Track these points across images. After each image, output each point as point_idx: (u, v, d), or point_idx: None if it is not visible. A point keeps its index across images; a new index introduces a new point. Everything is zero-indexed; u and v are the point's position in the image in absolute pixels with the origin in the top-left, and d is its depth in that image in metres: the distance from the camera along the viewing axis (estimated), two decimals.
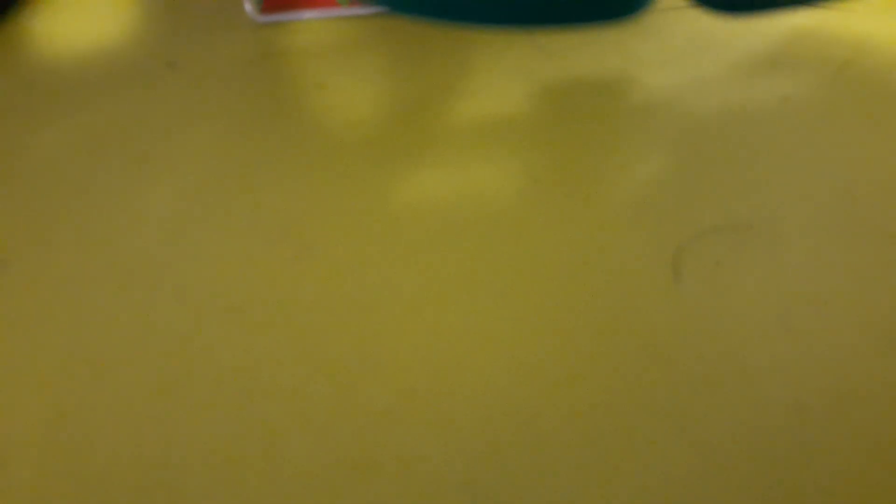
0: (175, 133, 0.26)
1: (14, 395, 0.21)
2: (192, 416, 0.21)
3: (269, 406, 0.21)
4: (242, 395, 0.22)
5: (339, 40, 0.28)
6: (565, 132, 0.25)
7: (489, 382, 0.22)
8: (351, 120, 0.26)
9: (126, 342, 0.22)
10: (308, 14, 0.31)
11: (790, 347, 0.21)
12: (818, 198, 0.23)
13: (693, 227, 0.23)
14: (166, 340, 0.22)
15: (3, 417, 0.21)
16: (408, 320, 0.22)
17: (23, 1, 0.33)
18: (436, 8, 0.23)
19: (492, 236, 0.23)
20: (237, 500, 0.20)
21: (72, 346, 0.22)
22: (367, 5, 0.29)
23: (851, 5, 0.26)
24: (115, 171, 0.26)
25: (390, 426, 0.21)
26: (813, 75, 0.24)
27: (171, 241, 0.24)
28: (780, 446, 0.20)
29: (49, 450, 0.20)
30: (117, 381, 0.21)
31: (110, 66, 0.29)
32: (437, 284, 0.23)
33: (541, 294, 0.23)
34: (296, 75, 0.27)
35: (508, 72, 0.26)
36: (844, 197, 0.23)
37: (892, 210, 0.22)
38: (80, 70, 0.29)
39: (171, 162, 0.25)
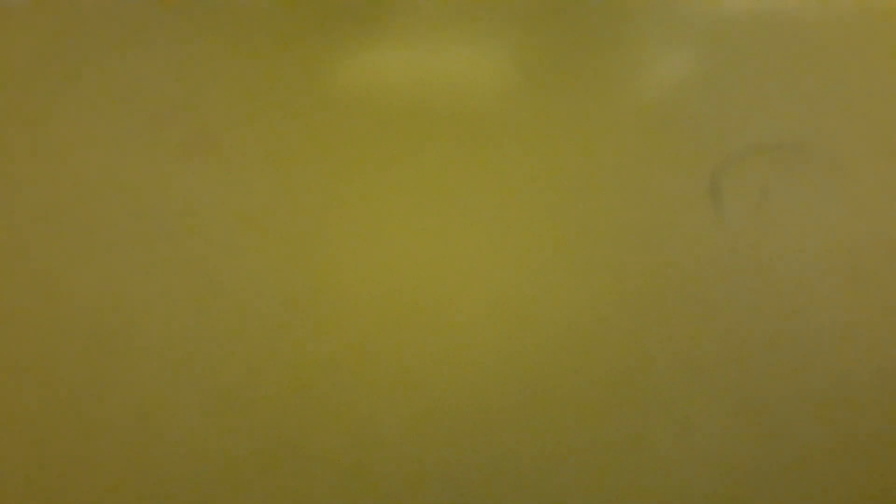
0: None
1: None
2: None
3: (147, 362, 0.14)
4: (103, 345, 0.14)
5: None
6: (566, 13, 0.19)
7: (474, 337, 0.15)
8: None
9: None
10: None
11: (865, 300, 0.16)
12: (883, 120, 0.18)
13: (732, 143, 0.18)
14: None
15: None
16: (355, 247, 0.16)
17: None
18: None
19: (471, 143, 0.17)
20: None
21: None
22: None
23: None
24: None
25: (331, 388, 0.14)
26: None
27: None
28: (861, 422, 0.15)
29: None
30: None
31: None
32: (397, 202, 0.16)
33: (540, 222, 0.17)
34: None
35: None
36: None
37: None
38: None
39: None
